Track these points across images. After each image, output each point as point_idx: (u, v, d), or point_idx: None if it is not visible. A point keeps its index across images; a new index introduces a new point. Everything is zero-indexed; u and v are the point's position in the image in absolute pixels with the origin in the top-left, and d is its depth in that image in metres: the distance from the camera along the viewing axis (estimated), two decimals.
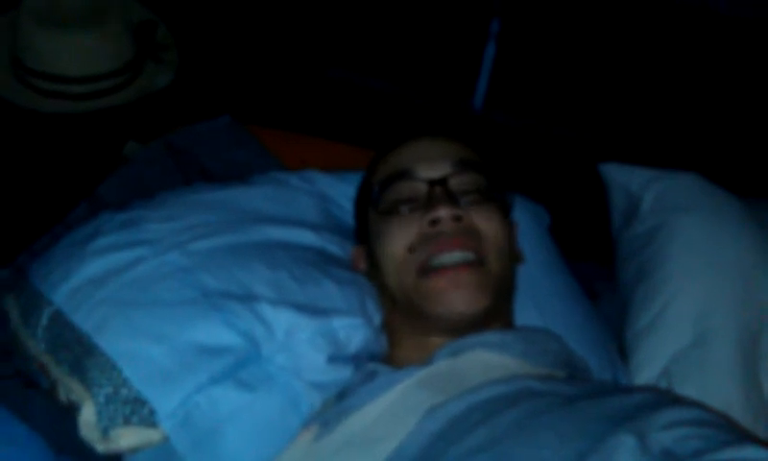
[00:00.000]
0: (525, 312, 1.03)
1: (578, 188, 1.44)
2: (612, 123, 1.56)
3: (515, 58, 1.55)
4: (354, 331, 0.89)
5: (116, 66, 1.44)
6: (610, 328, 1.15)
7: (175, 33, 1.57)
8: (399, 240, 0.91)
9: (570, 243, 1.21)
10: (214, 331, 0.82)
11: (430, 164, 0.94)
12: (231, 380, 0.80)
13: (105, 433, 0.78)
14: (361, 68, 1.62)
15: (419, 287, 0.89)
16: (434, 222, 0.89)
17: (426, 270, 0.88)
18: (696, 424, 0.73)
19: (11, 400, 0.88)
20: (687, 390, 1.01)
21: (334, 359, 0.86)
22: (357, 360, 0.89)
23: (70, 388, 0.81)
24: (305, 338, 0.85)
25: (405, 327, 0.93)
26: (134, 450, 0.80)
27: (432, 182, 0.92)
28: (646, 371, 1.07)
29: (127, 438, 0.78)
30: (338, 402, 0.85)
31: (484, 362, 0.86)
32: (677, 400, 0.86)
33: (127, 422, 0.78)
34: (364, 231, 1.00)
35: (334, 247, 1.01)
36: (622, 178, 1.22)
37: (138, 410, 0.78)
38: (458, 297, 0.87)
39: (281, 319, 0.85)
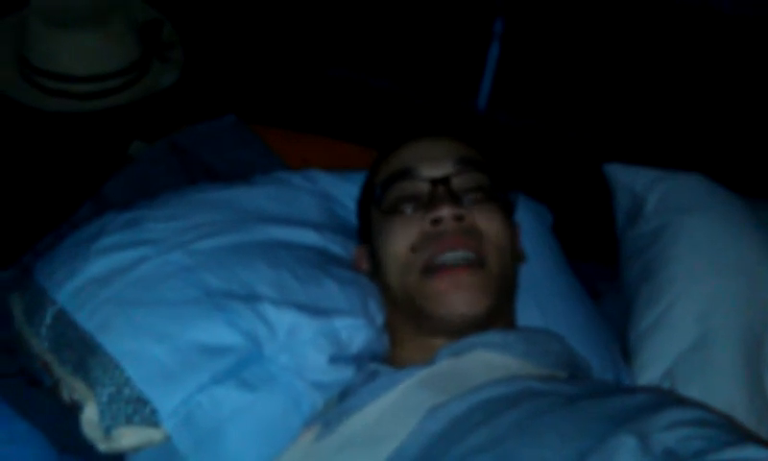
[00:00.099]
0: (527, 312, 1.03)
1: (581, 188, 1.43)
2: (616, 123, 1.55)
3: (518, 58, 1.54)
4: (356, 332, 0.89)
5: (122, 65, 1.44)
6: (612, 329, 1.15)
7: (180, 32, 1.58)
8: (402, 240, 0.91)
9: (573, 243, 1.21)
10: (217, 331, 0.82)
11: (433, 164, 0.94)
12: (233, 380, 0.80)
13: (107, 432, 0.78)
14: (365, 68, 1.63)
15: (421, 287, 0.89)
16: (436, 221, 0.89)
17: (430, 269, 0.88)
18: (698, 424, 0.73)
19: (14, 397, 0.88)
20: (691, 391, 1.01)
21: (336, 359, 0.86)
22: (359, 360, 0.90)
23: (73, 387, 0.81)
24: (307, 338, 0.85)
25: (407, 328, 0.93)
26: (136, 450, 0.81)
27: (434, 182, 0.92)
28: (649, 371, 1.06)
29: (129, 437, 0.78)
30: (340, 402, 0.86)
31: (486, 362, 0.86)
32: (679, 401, 0.86)
33: (129, 421, 0.78)
34: (367, 231, 1.01)
35: (337, 246, 1.01)
36: (626, 178, 1.22)
37: (140, 410, 0.78)
38: (459, 298, 0.87)
39: (283, 319, 0.85)
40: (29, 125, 1.41)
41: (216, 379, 0.79)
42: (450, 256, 0.88)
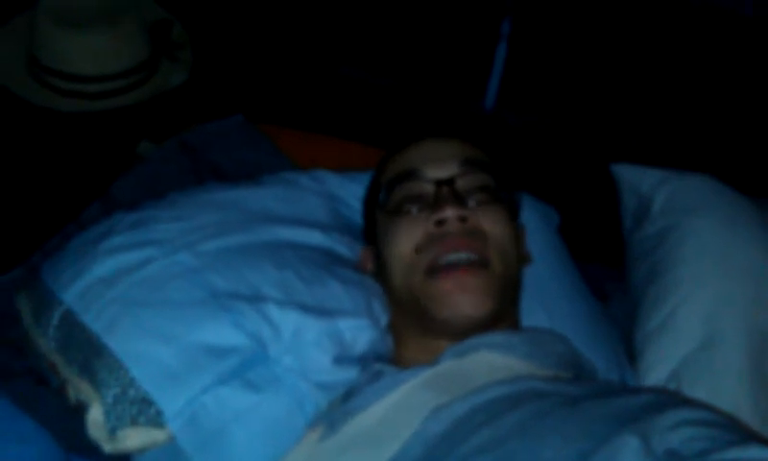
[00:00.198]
0: (533, 313, 1.03)
1: (588, 188, 1.43)
2: (623, 123, 1.55)
3: (526, 58, 1.54)
4: (360, 332, 0.89)
5: (131, 65, 1.45)
6: (618, 330, 1.15)
7: (189, 31, 1.58)
8: (406, 241, 0.92)
9: (580, 244, 1.21)
10: (222, 332, 0.83)
11: (437, 165, 0.94)
12: (238, 381, 0.81)
13: (112, 433, 0.79)
14: (373, 68, 1.63)
15: (425, 288, 0.89)
16: (440, 222, 0.89)
17: (434, 270, 0.88)
18: (702, 424, 0.73)
19: (22, 396, 0.88)
20: (697, 392, 1.01)
21: (340, 360, 0.87)
22: (363, 361, 0.90)
23: (79, 388, 0.82)
24: (312, 339, 0.85)
25: (411, 328, 0.94)
26: (141, 451, 0.81)
27: (439, 183, 0.92)
28: (655, 372, 1.06)
29: (134, 438, 0.79)
30: (344, 403, 0.86)
31: (489, 363, 0.86)
32: (683, 401, 0.86)
33: (134, 422, 0.79)
34: (372, 232, 1.01)
35: (343, 247, 1.01)
36: (633, 178, 1.22)
37: (145, 410, 0.79)
38: (464, 300, 0.87)
39: (288, 320, 0.85)
40: (38, 124, 1.42)
41: (221, 380, 0.80)
42: (454, 257, 0.88)
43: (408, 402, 0.82)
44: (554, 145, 1.56)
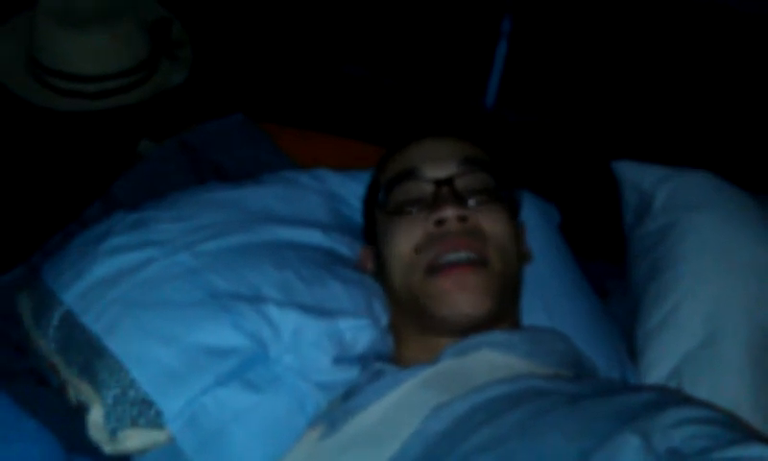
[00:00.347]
0: (533, 311, 1.03)
1: (589, 186, 1.43)
2: (624, 120, 1.55)
3: (526, 56, 1.54)
4: (360, 332, 0.89)
5: (131, 64, 1.45)
6: (619, 328, 1.15)
7: (189, 30, 1.58)
8: (406, 241, 0.92)
9: (581, 241, 1.21)
10: (222, 333, 0.83)
11: (437, 164, 0.94)
12: (238, 381, 0.80)
13: (112, 434, 0.79)
14: (373, 66, 1.63)
15: (425, 287, 0.89)
16: (440, 222, 0.89)
17: (434, 269, 0.88)
18: (703, 422, 0.73)
19: (23, 396, 0.88)
20: (698, 390, 1.01)
21: (340, 360, 0.87)
22: (363, 361, 0.90)
23: (79, 389, 0.82)
24: (312, 340, 0.85)
25: (411, 328, 0.94)
26: (142, 452, 0.81)
27: (438, 182, 0.92)
28: (656, 370, 1.06)
29: (134, 439, 0.79)
30: (344, 402, 0.86)
31: (489, 362, 0.86)
32: (684, 399, 0.86)
33: (134, 423, 0.79)
34: (372, 232, 1.01)
35: (343, 247, 1.01)
36: (634, 175, 1.22)
37: (145, 412, 0.79)
38: (463, 299, 0.87)
39: (288, 320, 0.85)
40: (38, 124, 1.42)
41: (221, 381, 0.80)
42: (454, 257, 0.88)
43: (408, 401, 0.82)
44: (555, 143, 1.56)
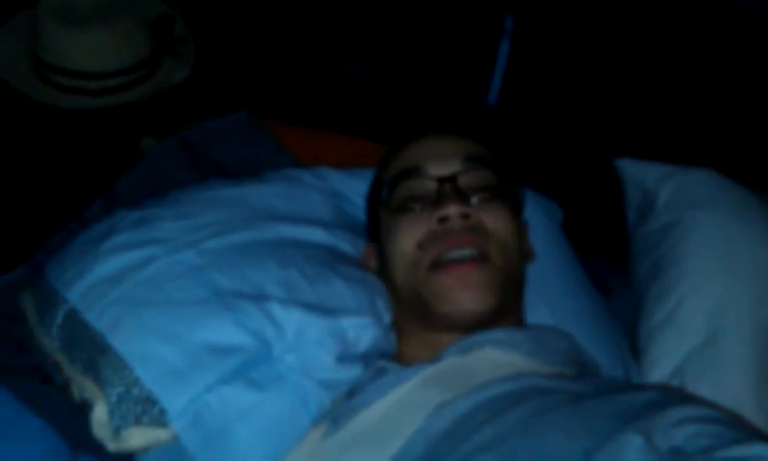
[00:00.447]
0: (537, 310, 1.03)
1: (592, 184, 1.43)
2: (626, 118, 1.55)
3: (529, 54, 1.54)
4: (363, 331, 0.89)
5: (134, 62, 1.45)
6: (622, 326, 1.15)
7: (192, 28, 1.58)
8: (409, 238, 0.92)
9: (584, 239, 1.20)
10: (225, 331, 0.83)
11: (440, 162, 0.94)
12: (241, 380, 0.81)
13: (116, 432, 0.79)
14: (376, 64, 1.63)
15: (428, 283, 0.89)
16: (443, 219, 0.89)
17: (437, 265, 0.88)
18: (706, 421, 0.73)
19: (27, 394, 0.89)
20: (700, 388, 1.00)
21: (343, 358, 0.87)
22: (367, 359, 0.90)
23: (83, 387, 0.82)
24: (315, 338, 0.85)
25: (414, 325, 0.94)
26: (145, 450, 0.81)
27: (441, 180, 0.92)
28: (659, 368, 1.06)
29: (137, 437, 0.79)
30: (347, 400, 0.86)
31: (492, 360, 0.86)
32: (687, 398, 0.86)
33: (138, 421, 0.79)
34: (375, 229, 1.01)
35: (346, 245, 1.01)
36: (637, 173, 1.22)
37: (149, 410, 0.79)
38: (466, 296, 0.87)
39: (291, 319, 0.85)
40: (41, 121, 1.42)
41: (224, 379, 0.80)
42: (457, 254, 0.88)
43: (411, 400, 0.82)
44: (557, 141, 1.56)
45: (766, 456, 0.67)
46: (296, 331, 0.85)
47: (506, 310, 0.92)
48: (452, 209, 0.89)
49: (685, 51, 1.50)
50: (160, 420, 0.79)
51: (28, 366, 0.92)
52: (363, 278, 0.95)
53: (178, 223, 0.93)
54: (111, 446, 0.80)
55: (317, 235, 0.99)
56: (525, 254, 0.99)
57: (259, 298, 0.86)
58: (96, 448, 0.82)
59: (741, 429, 0.74)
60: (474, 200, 0.92)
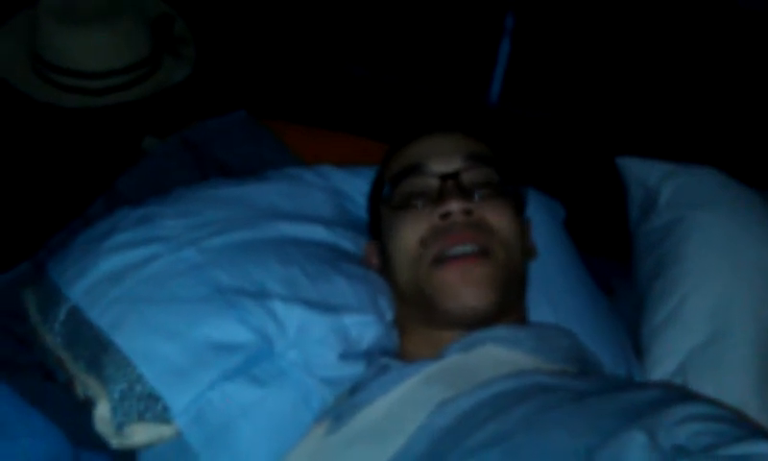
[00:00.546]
0: (538, 307, 1.03)
1: (594, 182, 1.43)
2: (628, 116, 1.55)
3: (529, 52, 1.54)
4: (366, 328, 0.89)
5: (134, 61, 1.45)
6: (625, 324, 1.14)
7: (192, 27, 1.58)
8: (411, 234, 0.91)
9: (586, 238, 1.20)
10: (227, 328, 0.83)
11: (442, 159, 0.94)
12: (244, 376, 0.81)
13: (119, 429, 0.79)
14: (377, 63, 1.63)
15: (431, 279, 0.89)
16: (445, 215, 0.89)
17: (440, 261, 0.88)
18: (709, 419, 0.73)
19: (31, 391, 0.89)
20: (703, 386, 1.00)
21: (346, 356, 0.87)
22: (369, 356, 0.90)
23: (86, 384, 0.82)
24: (317, 336, 0.85)
25: (416, 322, 0.94)
26: (148, 446, 0.81)
27: (444, 177, 0.92)
28: (662, 366, 1.06)
29: (140, 434, 0.79)
30: (350, 397, 0.86)
31: (494, 357, 0.86)
32: (690, 396, 0.86)
33: (141, 418, 0.79)
34: (377, 227, 1.01)
35: (347, 243, 1.01)
36: (640, 171, 1.22)
37: (152, 406, 0.79)
38: (467, 292, 0.87)
39: (293, 316, 0.85)
40: (42, 121, 1.42)
41: (227, 376, 0.80)
42: (460, 250, 0.88)
43: (414, 397, 0.82)
44: (559, 139, 1.56)
45: None
46: (298, 329, 0.85)
47: (508, 307, 0.92)
48: (455, 205, 0.89)
49: (687, 49, 1.50)
50: (163, 416, 0.79)
51: (31, 363, 0.92)
52: (365, 275, 0.95)
53: (179, 221, 0.93)
54: (114, 442, 0.80)
55: (318, 233, 0.99)
56: (527, 252, 0.99)
57: (261, 295, 0.86)
58: (99, 444, 0.82)
59: (744, 427, 0.74)
60: (477, 197, 0.92)
